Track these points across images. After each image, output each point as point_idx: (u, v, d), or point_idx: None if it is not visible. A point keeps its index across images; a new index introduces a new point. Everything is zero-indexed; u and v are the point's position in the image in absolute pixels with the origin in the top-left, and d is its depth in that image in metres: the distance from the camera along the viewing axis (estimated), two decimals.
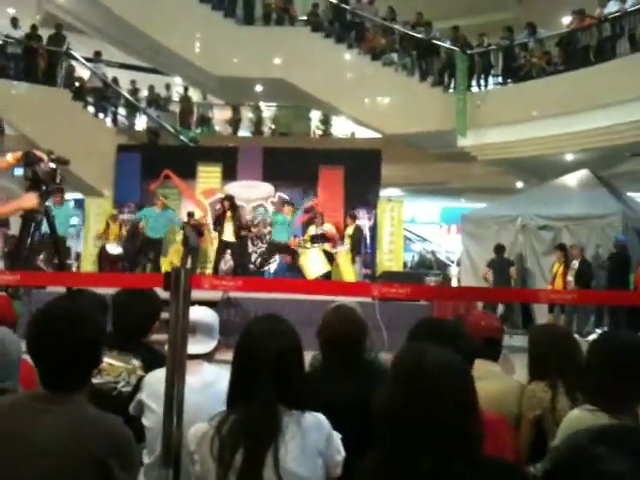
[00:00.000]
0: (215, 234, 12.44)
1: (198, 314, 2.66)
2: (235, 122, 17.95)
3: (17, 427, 1.76)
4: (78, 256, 14.47)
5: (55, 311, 1.94)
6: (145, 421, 2.57)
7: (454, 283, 9.67)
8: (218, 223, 12.20)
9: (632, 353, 2.32)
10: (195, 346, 2.58)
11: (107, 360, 2.77)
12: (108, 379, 2.80)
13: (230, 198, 12.10)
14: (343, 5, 14.55)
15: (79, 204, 16.59)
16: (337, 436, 2.06)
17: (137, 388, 2.70)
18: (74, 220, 11.58)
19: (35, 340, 1.89)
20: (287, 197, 13.37)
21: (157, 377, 2.47)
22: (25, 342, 1.97)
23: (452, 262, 11.97)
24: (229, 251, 12.25)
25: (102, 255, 12.25)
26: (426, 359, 1.56)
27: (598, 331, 7.50)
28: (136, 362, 2.83)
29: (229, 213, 11.91)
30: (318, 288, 2.40)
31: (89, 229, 13.36)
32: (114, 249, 12.05)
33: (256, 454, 1.86)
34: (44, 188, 3.94)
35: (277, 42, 14.13)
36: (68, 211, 11.42)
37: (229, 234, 11.88)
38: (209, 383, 2.51)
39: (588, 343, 2.62)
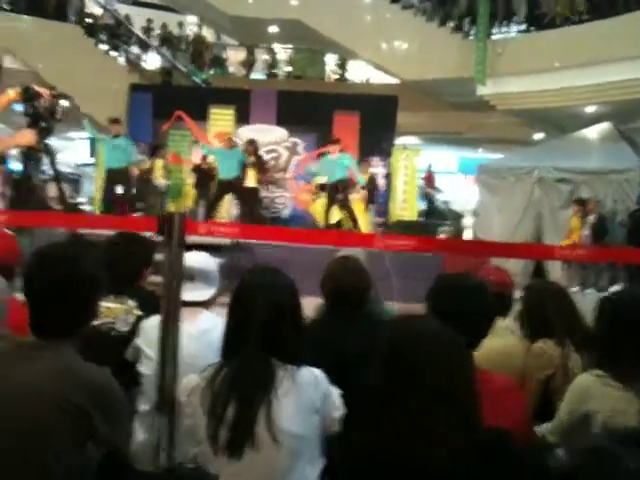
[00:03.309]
0: None
1: (197, 260, 2.57)
2: (249, 64, 17.56)
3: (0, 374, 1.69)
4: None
5: (51, 255, 1.83)
6: (141, 368, 2.52)
7: (468, 234, 9.51)
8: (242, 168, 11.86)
9: None
10: (193, 293, 2.51)
11: (104, 304, 2.70)
12: (106, 320, 2.74)
13: (253, 142, 11.74)
14: None
15: (91, 142, 16.50)
16: (335, 392, 1.98)
17: (135, 327, 2.66)
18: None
19: (28, 283, 1.80)
20: (301, 142, 13.16)
21: (153, 323, 2.40)
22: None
23: (466, 213, 11.80)
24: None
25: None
26: (420, 334, 1.58)
27: (614, 288, 7.36)
28: (132, 303, 2.77)
29: (252, 158, 11.57)
30: (320, 238, 2.29)
31: (101, 169, 13.23)
32: (120, 189, 11.91)
33: (248, 409, 1.79)
34: (43, 124, 3.81)
35: None
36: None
37: (251, 179, 11.55)
38: (205, 331, 2.43)
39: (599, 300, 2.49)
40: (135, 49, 16.36)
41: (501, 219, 11.38)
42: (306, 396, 1.86)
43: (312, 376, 1.91)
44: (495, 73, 12.53)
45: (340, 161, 10.47)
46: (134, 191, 11.28)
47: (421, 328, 1.59)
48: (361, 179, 10.83)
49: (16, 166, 4.14)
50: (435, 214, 14.35)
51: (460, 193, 16.75)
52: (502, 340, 2.71)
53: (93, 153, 15.53)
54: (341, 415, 1.97)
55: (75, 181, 17.23)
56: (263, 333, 1.85)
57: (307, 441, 1.87)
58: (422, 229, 9.79)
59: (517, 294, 3.01)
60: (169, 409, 2.13)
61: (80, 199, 14.26)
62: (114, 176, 10.51)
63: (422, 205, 14.81)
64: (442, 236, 10.82)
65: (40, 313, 1.76)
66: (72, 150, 19.70)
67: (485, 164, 12.94)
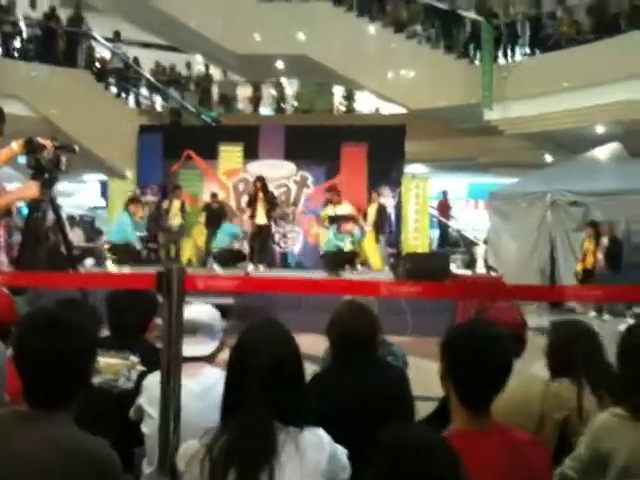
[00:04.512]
0: (246, 215, 12.22)
1: (198, 313, 2.52)
2: (256, 100, 17.74)
3: None
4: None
5: (39, 322, 1.75)
6: (144, 428, 2.45)
7: (480, 263, 9.42)
8: (250, 205, 11.98)
9: None
10: (195, 347, 2.45)
11: (105, 360, 2.66)
12: (107, 377, 2.69)
13: (262, 179, 11.88)
14: None
15: (103, 185, 16.71)
16: (342, 452, 1.90)
17: (138, 385, 2.59)
18: None
19: (17, 352, 1.75)
20: (310, 176, 13.23)
21: (155, 380, 2.33)
22: None
23: (478, 240, 11.71)
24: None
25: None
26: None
27: (630, 321, 7.22)
28: (134, 358, 2.72)
29: (261, 194, 11.69)
30: (325, 287, 2.23)
31: (113, 210, 13.32)
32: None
33: (249, 478, 1.71)
34: (47, 176, 3.81)
35: (298, 17, 13.86)
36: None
37: (262, 216, 11.65)
38: (208, 387, 2.36)
39: (619, 331, 2.43)
40: (144, 91, 16.58)
41: (514, 245, 11.28)
42: (310, 460, 1.76)
43: (316, 439, 1.82)
44: (502, 97, 12.53)
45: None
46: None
47: None
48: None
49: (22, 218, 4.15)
50: (448, 242, 14.27)
51: (472, 219, 16.68)
52: (517, 383, 2.62)
53: (104, 195, 15.72)
54: (349, 475, 1.89)
55: (89, 223, 17.37)
56: (264, 393, 1.77)
57: None
58: (434, 260, 9.67)
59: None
60: (171, 472, 2.07)
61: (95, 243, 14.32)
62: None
63: (434, 233, 14.73)
64: (456, 264, 10.76)
65: (31, 383, 1.71)
66: (84, 192, 19.96)
67: (496, 190, 12.87)
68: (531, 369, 2.97)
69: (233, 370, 1.86)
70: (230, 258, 11.02)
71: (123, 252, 10.45)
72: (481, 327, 2.06)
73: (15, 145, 3.99)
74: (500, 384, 1.95)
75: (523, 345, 2.89)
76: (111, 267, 10.19)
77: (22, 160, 4.03)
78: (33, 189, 3.78)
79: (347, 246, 10.98)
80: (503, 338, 1.98)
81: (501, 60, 13.23)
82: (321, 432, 1.85)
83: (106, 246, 11.08)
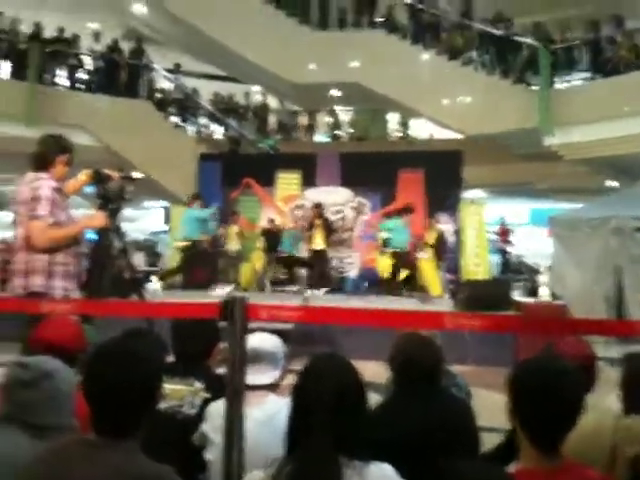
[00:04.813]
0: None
1: (261, 342, 2.54)
2: (311, 128, 17.92)
3: (58, 474, 1.66)
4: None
5: (107, 354, 1.82)
6: (208, 454, 2.47)
7: (543, 291, 9.22)
8: (308, 231, 12.21)
9: None
10: (258, 376, 2.47)
11: (169, 386, 2.69)
12: (172, 403, 2.73)
13: (319, 206, 12.04)
14: (418, 4, 14.24)
15: (166, 211, 17.11)
16: None
17: (202, 411, 2.62)
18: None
19: (86, 382, 1.80)
20: (367, 201, 13.29)
21: (219, 408, 2.35)
22: None
23: (540, 268, 11.44)
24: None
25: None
26: None
27: None
28: (198, 384, 2.75)
29: (318, 221, 11.86)
30: (385, 319, 2.21)
31: (174, 236, 13.58)
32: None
33: None
34: (113, 206, 3.93)
35: (353, 46, 13.96)
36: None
37: (319, 242, 11.81)
38: (272, 415, 2.37)
39: None
40: (203, 120, 16.96)
41: (578, 273, 10.96)
42: None
43: (382, 473, 1.80)
44: (561, 122, 12.32)
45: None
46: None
47: None
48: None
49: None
50: (509, 269, 14.00)
51: (533, 246, 16.33)
52: (588, 417, 2.54)
53: (167, 220, 16.08)
54: None
55: (151, 247, 17.76)
56: (329, 419, 1.75)
57: None
58: (494, 288, 9.49)
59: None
60: None
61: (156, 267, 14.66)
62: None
63: (495, 259, 14.49)
64: (518, 292, 10.55)
65: (99, 413, 1.75)
66: (147, 218, 20.47)
67: (557, 216, 12.58)
68: (603, 403, 2.86)
69: (298, 397, 1.86)
70: (292, 262, 11.19)
71: (190, 253, 11.05)
72: (548, 362, 1.99)
73: (84, 176, 4.13)
74: (570, 422, 1.88)
75: (593, 379, 2.80)
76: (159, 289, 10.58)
77: (89, 189, 4.17)
78: (100, 219, 3.90)
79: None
80: (571, 373, 1.92)
81: (558, 85, 13.03)
82: (388, 468, 1.82)
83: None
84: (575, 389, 1.89)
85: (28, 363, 2.11)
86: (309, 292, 10.84)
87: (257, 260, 13.01)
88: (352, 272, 13.10)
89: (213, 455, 2.41)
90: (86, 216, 4.17)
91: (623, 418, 2.59)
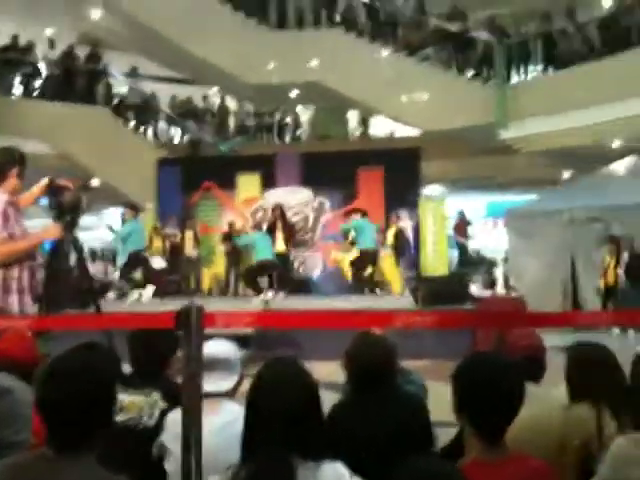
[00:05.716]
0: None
1: (217, 349, 2.56)
2: (273, 128, 17.91)
3: None
4: None
5: (59, 369, 1.81)
6: (167, 465, 2.48)
7: (500, 284, 9.39)
8: (269, 233, 12.08)
9: None
10: (214, 383, 2.49)
11: (128, 398, 2.70)
12: (131, 415, 2.73)
13: (280, 207, 12.00)
14: (375, 3, 14.33)
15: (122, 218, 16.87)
16: None
17: (160, 421, 2.63)
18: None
19: (38, 399, 1.80)
20: (327, 201, 13.33)
21: (175, 417, 2.38)
22: None
23: (498, 260, 11.66)
24: None
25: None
26: None
27: None
28: (156, 395, 2.75)
29: (279, 223, 11.82)
30: (340, 321, 2.26)
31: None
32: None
33: None
34: (68, 218, 3.90)
35: (311, 45, 13.99)
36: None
37: (280, 244, 11.75)
38: (229, 422, 2.40)
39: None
40: (162, 124, 16.83)
41: (534, 263, 11.19)
42: None
43: (335, 473, 1.84)
44: (517, 116, 12.53)
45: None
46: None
47: None
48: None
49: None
50: (467, 263, 14.20)
51: (491, 239, 16.59)
52: (536, 408, 2.62)
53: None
54: None
55: (110, 256, 17.51)
56: (282, 429, 1.80)
57: None
58: (451, 283, 9.63)
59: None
60: None
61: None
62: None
63: (454, 254, 14.67)
64: (476, 285, 10.71)
65: (52, 428, 1.76)
66: (105, 226, 20.15)
67: (513, 208, 12.83)
68: (553, 392, 2.94)
69: (251, 409, 1.89)
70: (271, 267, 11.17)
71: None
72: (487, 358, 2.08)
73: (36, 188, 4.10)
74: (512, 413, 1.96)
75: (543, 369, 2.89)
76: (132, 296, 10.41)
77: (44, 201, 4.14)
78: (55, 230, 3.87)
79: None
80: (511, 366, 2.01)
81: (514, 79, 13.24)
82: (340, 466, 1.87)
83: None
84: (515, 381, 1.98)
85: None
86: (270, 295, 10.82)
87: (219, 265, 12.98)
88: (315, 272, 13.14)
89: (172, 465, 2.43)
90: (41, 228, 4.14)
91: (571, 408, 2.67)
